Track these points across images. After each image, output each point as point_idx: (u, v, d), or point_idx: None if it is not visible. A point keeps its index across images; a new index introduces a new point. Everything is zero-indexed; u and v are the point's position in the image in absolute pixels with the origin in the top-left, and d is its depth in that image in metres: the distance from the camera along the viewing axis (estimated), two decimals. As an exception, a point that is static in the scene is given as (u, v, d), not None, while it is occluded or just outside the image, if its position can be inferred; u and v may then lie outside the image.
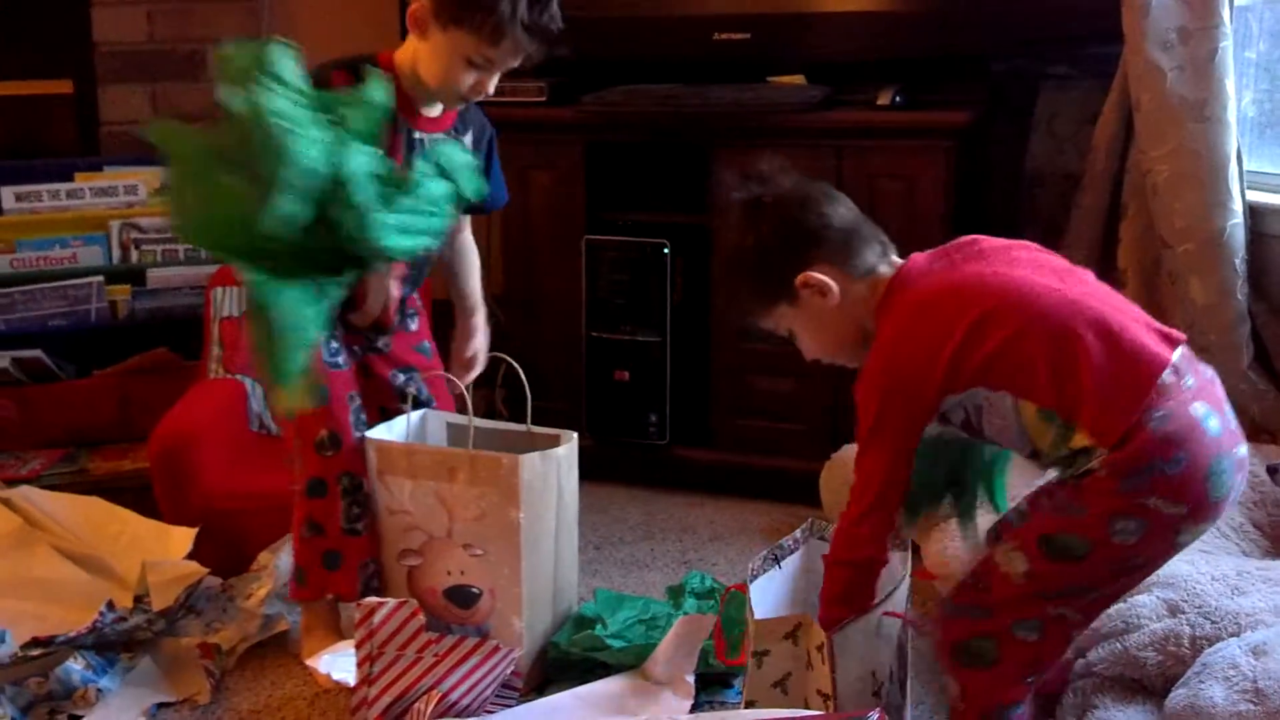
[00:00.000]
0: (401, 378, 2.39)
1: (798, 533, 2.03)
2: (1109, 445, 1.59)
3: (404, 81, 2.17)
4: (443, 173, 2.12)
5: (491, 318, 2.53)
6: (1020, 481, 1.97)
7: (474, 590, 2.19)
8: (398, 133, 2.17)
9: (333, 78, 2.12)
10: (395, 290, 2.28)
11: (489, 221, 3.30)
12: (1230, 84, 2.66)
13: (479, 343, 2.44)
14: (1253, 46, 2.96)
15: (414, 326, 2.42)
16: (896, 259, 1.81)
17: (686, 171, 3.06)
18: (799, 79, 3.06)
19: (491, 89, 2.15)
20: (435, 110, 2.22)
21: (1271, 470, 2.34)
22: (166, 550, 2.44)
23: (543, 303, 3.20)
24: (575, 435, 2.28)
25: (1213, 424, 1.62)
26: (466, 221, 2.41)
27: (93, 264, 3.22)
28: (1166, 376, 1.61)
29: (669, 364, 3.07)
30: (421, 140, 2.21)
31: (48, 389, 3.13)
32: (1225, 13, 2.65)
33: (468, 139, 2.28)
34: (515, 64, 2.12)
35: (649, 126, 3.05)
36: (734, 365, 3.07)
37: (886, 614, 1.84)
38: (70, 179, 3.26)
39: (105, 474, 3.00)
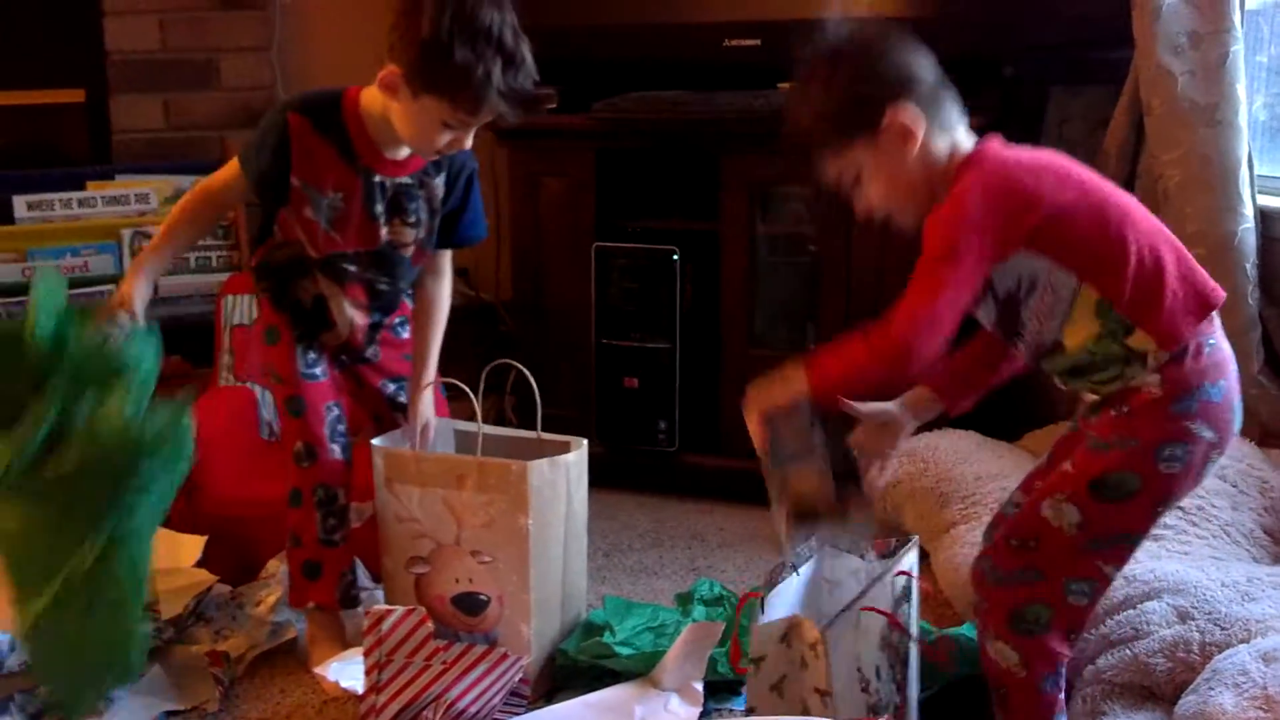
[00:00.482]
0: (392, 387, 2.39)
1: (812, 540, 2.02)
2: (1170, 349, 1.66)
3: (369, 124, 2.10)
4: None
5: (500, 324, 2.53)
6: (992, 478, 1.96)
7: (482, 597, 2.19)
8: (356, 176, 2.12)
9: (289, 120, 2.09)
10: (360, 318, 2.28)
11: (499, 228, 3.32)
12: (1241, 88, 2.65)
13: (426, 413, 2.32)
14: (1264, 50, 2.95)
15: (404, 334, 2.40)
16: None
17: (696, 178, 3.07)
18: (809, 85, 3.05)
19: (468, 143, 2.08)
20: (402, 153, 2.14)
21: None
22: (176, 558, 2.44)
23: (552, 309, 3.21)
24: (585, 442, 2.28)
25: (1232, 366, 1.73)
26: (445, 261, 2.34)
27: (104, 273, 3.23)
28: (1217, 311, 1.71)
29: (678, 371, 3.07)
30: (383, 184, 2.15)
31: (59, 397, 3.14)
32: (1236, 17, 2.64)
33: (439, 180, 2.20)
34: (490, 119, 2.03)
35: (659, 133, 3.05)
36: (743, 371, 3.04)
37: (865, 609, 1.83)
38: (82, 188, 3.28)
39: (116, 482, 3.00)
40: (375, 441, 2.24)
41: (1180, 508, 2.30)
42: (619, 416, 3.13)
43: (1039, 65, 2.97)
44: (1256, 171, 2.72)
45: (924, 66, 1.75)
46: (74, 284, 3.14)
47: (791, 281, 3.05)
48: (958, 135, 1.76)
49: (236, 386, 2.98)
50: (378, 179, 2.14)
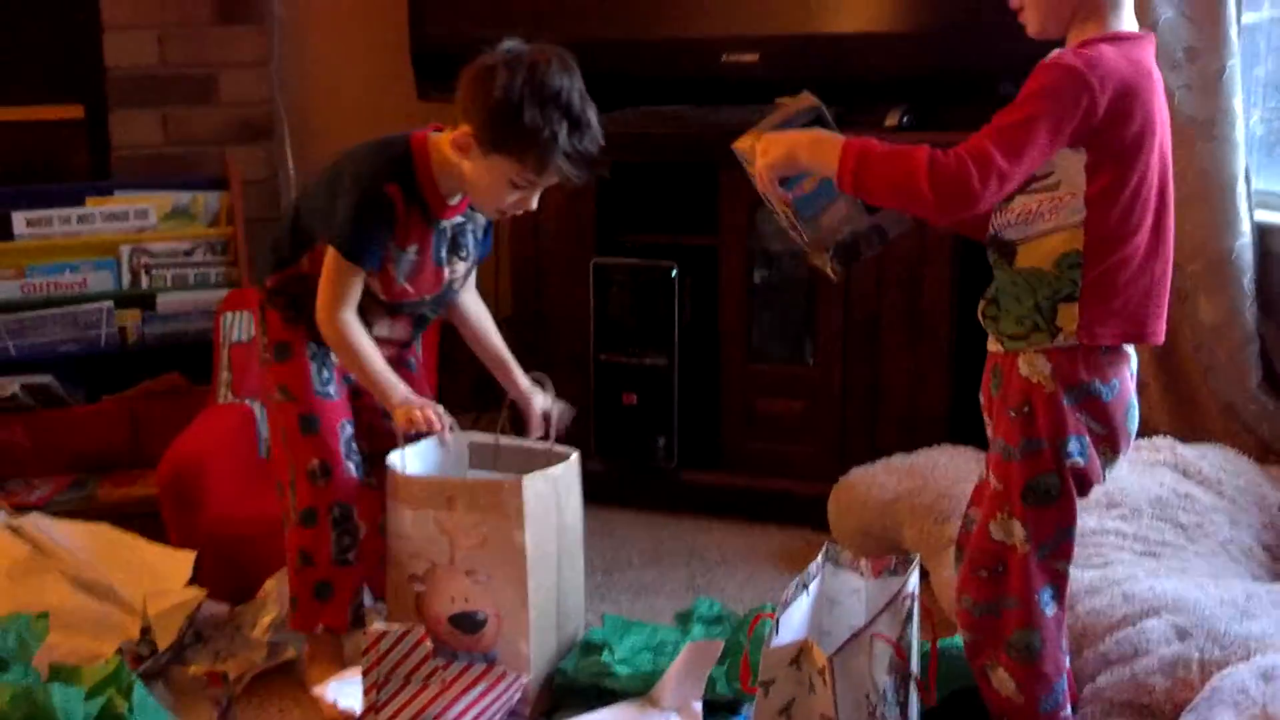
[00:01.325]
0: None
1: (819, 559, 2.02)
2: (1083, 342, 1.71)
3: (437, 175, 2.16)
4: None
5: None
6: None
7: (479, 616, 2.18)
8: (428, 227, 2.20)
9: (391, 193, 2.12)
10: (400, 337, 2.34)
11: (499, 243, 3.31)
12: (1238, 103, 2.66)
13: (540, 401, 2.38)
14: (1261, 64, 2.96)
15: (413, 368, 2.43)
16: None
17: (696, 193, 3.07)
18: (808, 100, 3.05)
19: (534, 204, 2.17)
20: (457, 196, 2.22)
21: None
22: (167, 575, 2.44)
23: (551, 324, 3.21)
24: (576, 453, 2.28)
25: (1133, 368, 1.79)
26: (471, 283, 2.39)
27: (103, 289, 3.23)
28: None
29: (677, 387, 3.07)
30: (445, 229, 2.24)
31: (57, 414, 3.15)
32: (1233, 31, 2.65)
33: (480, 215, 2.30)
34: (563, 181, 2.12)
35: (659, 147, 3.05)
36: (742, 387, 3.07)
37: (876, 636, 1.83)
38: (81, 203, 3.27)
39: (114, 500, 3.01)
40: (389, 458, 2.22)
41: (1179, 525, 2.31)
42: (618, 432, 3.13)
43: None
44: (1254, 186, 2.73)
45: None
46: (72, 300, 3.17)
47: (790, 297, 3.05)
48: (1123, 7, 1.73)
49: (235, 404, 2.98)
50: (442, 225, 2.23)
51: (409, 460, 2.24)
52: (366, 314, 2.23)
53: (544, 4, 3.23)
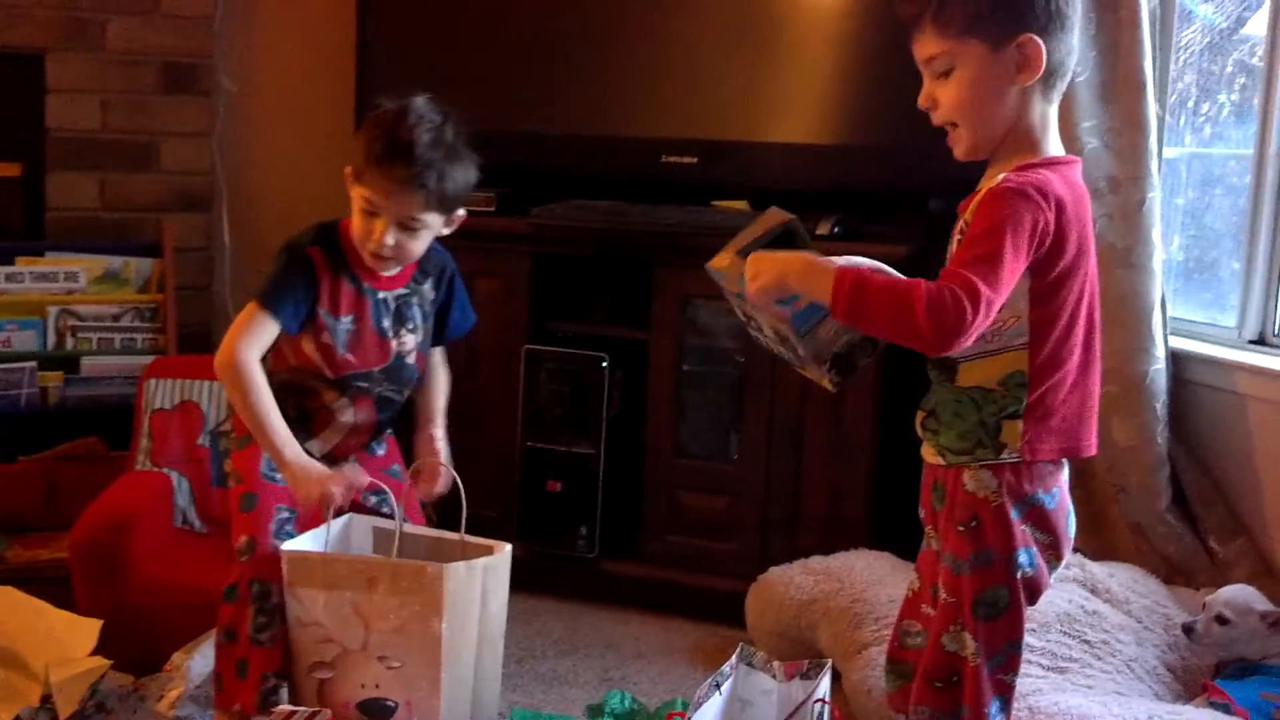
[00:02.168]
0: (373, 499, 2.38)
1: (733, 659, 2.03)
2: (1025, 459, 1.72)
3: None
4: None
5: None
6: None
7: (390, 703, 2.16)
8: (362, 296, 2.24)
9: (312, 256, 2.20)
10: (362, 423, 2.32)
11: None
12: (1157, 233, 2.75)
13: (443, 453, 2.39)
14: (1182, 193, 3.07)
15: (380, 451, 2.43)
16: None
17: (629, 287, 3.11)
18: (743, 204, 3.13)
19: (415, 247, 2.19)
20: (393, 269, 2.26)
21: (1186, 629, 2.39)
22: (72, 643, 2.39)
23: (481, 409, 3.21)
24: (509, 547, 2.28)
25: (1066, 474, 1.80)
26: (438, 358, 2.45)
27: (27, 349, 3.19)
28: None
29: (601, 477, 3.08)
30: (386, 300, 2.27)
31: (-30, 473, 3.09)
32: (1154, 164, 2.75)
33: (428, 285, 2.34)
34: (409, 210, 2.14)
35: (595, 241, 3.10)
36: (666, 481, 3.09)
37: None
38: (11, 262, 3.25)
39: (24, 562, 2.95)
40: (284, 546, 2.20)
41: (1086, 641, 2.35)
42: (541, 519, 3.13)
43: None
44: (1170, 313, 2.82)
45: (1073, 35, 1.72)
46: (-5, 359, 3.13)
47: (717, 395, 3.09)
48: (1051, 123, 1.74)
49: (153, 472, 2.94)
50: (381, 295, 2.26)
51: (303, 544, 2.22)
52: (322, 397, 2.26)
53: (488, 92, 3.28)
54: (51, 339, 3.23)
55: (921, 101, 1.75)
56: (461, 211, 2.25)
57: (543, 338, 3.15)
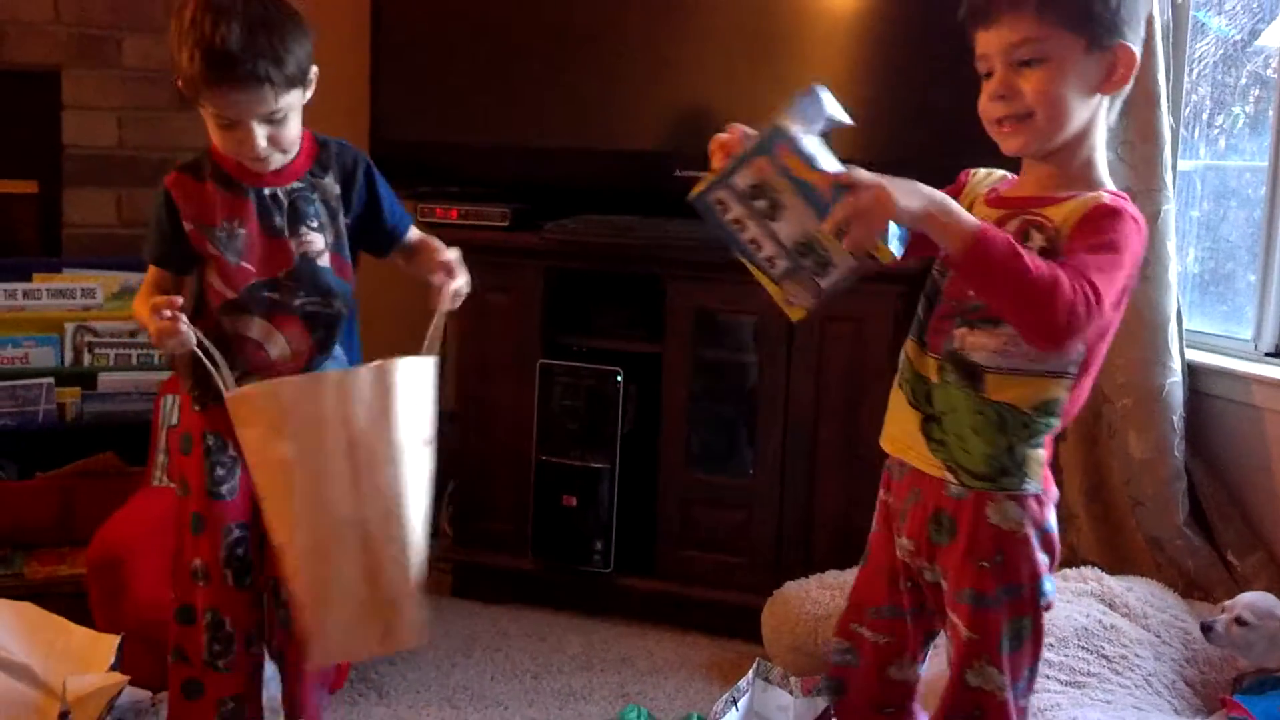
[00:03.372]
0: None
1: (750, 674, 2.03)
2: (1045, 487, 1.70)
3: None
4: None
5: (442, 435, 2.44)
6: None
7: None
8: (244, 197, 2.08)
9: (166, 183, 2.10)
10: (301, 347, 2.14)
11: (446, 339, 3.33)
12: (1172, 246, 2.75)
13: (449, 252, 2.15)
14: (1197, 205, 3.07)
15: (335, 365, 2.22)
16: None
17: (643, 301, 3.11)
18: (756, 218, 3.12)
19: (289, 132, 2.04)
20: (276, 162, 2.09)
21: (1205, 628, 2.38)
22: (90, 659, 2.40)
23: (495, 424, 3.22)
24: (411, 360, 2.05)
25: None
26: (411, 237, 2.24)
27: (44, 365, 3.21)
28: None
29: (616, 492, 3.08)
30: (275, 195, 2.09)
31: (-12, 489, 3.11)
32: (1168, 176, 2.75)
33: (329, 179, 2.15)
34: (263, 107, 1.99)
35: (608, 256, 3.10)
36: (681, 495, 3.08)
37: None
38: (28, 279, 3.26)
39: (41, 578, 2.97)
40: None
41: (1104, 656, 2.34)
42: (555, 534, 3.13)
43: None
44: (1186, 326, 2.81)
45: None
46: (11, 375, 3.14)
47: (731, 408, 3.08)
48: (1103, 147, 1.69)
49: (169, 488, 2.94)
50: (267, 192, 2.10)
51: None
52: (247, 334, 2.11)
53: (501, 108, 3.29)
54: (69, 355, 3.24)
55: (996, 89, 1.64)
56: (314, 70, 2.07)
57: (556, 352, 3.16)
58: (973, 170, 1.82)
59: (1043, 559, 1.70)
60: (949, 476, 1.70)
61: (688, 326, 3.06)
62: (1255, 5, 2.94)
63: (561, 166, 3.26)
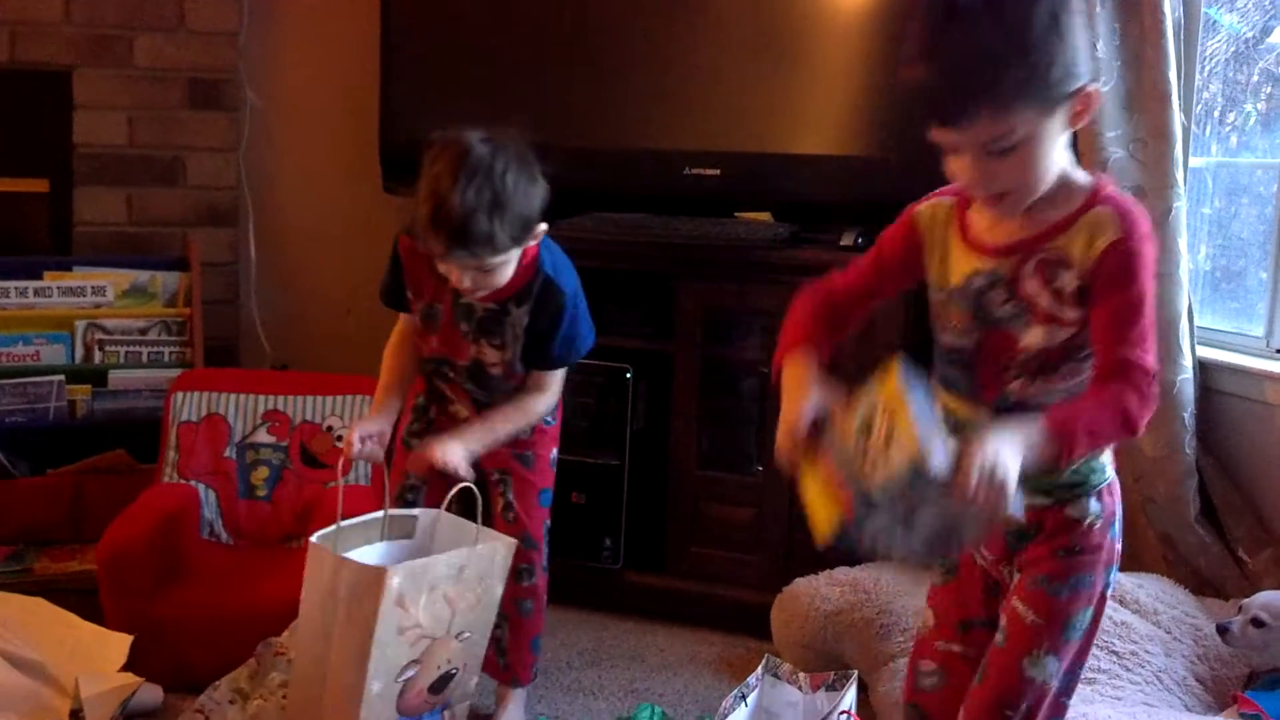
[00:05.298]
0: (495, 476, 2.44)
1: (759, 670, 2.03)
2: (1110, 472, 1.70)
3: None
4: None
5: None
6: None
7: (452, 672, 2.19)
8: (446, 292, 2.30)
9: (400, 241, 2.35)
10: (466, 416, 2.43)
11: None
12: (1183, 243, 2.74)
13: (458, 452, 2.28)
14: (1208, 203, 3.06)
15: (551, 419, 2.50)
16: None
17: (653, 299, 3.11)
18: (766, 216, 3.13)
19: (495, 279, 2.22)
20: (481, 293, 2.28)
21: (1221, 629, 2.37)
22: (102, 658, 2.40)
23: (504, 422, 3.21)
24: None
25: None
26: (544, 379, 2.40)
27: (55, 362, 3.22)
28: None
29: (626, 489, 3.08)
30: (471, 306, 2.31)
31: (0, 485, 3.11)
32: (1179, 174, 2.74)
33: (522, 310, 2.31)
34: (470, 265, 2.18)
35: (618, 254, 3.10)
36: (691, 493, 3.08)
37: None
38: (39, 277, 3.27)
39: (52, 575, 2.97)
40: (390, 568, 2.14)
41: (1115, 653, 2.33)
42: (565, 532, 3.11)
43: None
44: (1197, 323, 2.80)
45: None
46: (23, 373, 3.15)
47: (741, 406, 3.09)
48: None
49: (180, 484, 2.96)
50: (464, 300, 2.31)
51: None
52: (435, 380, 2.45)
53: (511, 106, 3.29)
54: (79, 353, 3.25)
55: (972, 176, 1.58)
56: (542, 227, 2.24)
57: (567, 350, 3.16)
58: (916, 208, 1.77)
59: (1117, 547, 1.70)
60: (1042, 501, 1.68)
61: (698, 324, 3.06)
62: (1267, 2, 2.94)
63: (571, 165, 3.23)
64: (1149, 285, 1.57)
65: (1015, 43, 1.51)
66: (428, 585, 2.12)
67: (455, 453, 2.24)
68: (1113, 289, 1.57)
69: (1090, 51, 1.61)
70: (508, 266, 2.23)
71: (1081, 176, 1.64)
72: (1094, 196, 1.62)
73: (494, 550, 2.18)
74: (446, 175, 2.12)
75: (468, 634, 2.18)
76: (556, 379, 2.42)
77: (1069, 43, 1.53)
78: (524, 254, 2.26)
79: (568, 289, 2.34)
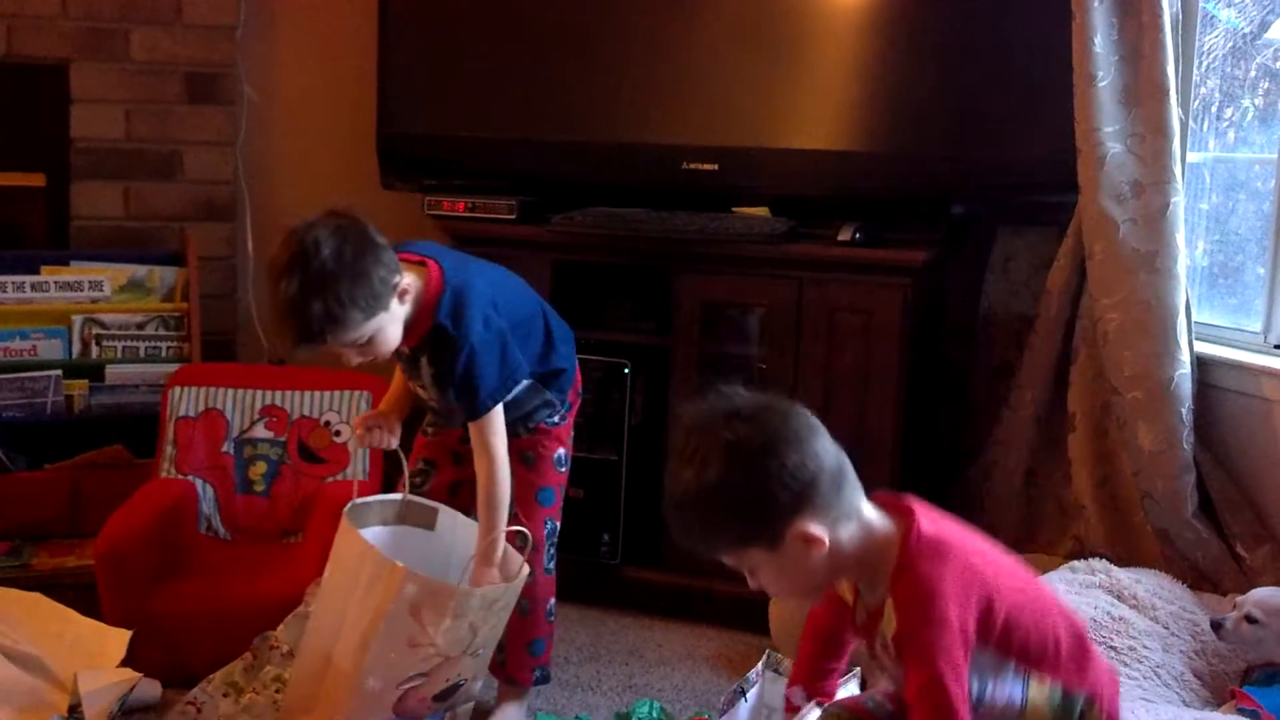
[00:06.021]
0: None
1: (759, 666, 2.03)
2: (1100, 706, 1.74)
3: None
4: None
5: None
6: None
7: (460, 683, 2.21)
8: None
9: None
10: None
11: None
12: (1180, 238, 2.74)
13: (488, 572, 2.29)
14: (1206, 198, 3.06)
15: (555, 419, 2.52)
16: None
17: (650, 294, 3.11)
18: (763, 211, 3.13)
19: (379, 347, 2.17)
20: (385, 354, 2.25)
21: (1215, 625, 2.37)
22: (101, 653, 2.40)
23: (501, 417, 3.21)
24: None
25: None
26: (477, 435, 2.31)
27: (52, 357, 3.21)
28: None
29: (624, 484, 3.08)
30: (400, 351, 2.27)
31: (-4, 480, 3.11)
32: (1177, 169, 2.74)
33: (425, 358, 2.29)
34: (329, 347, 2.12)
35: (615, 248, 3.10)
36: (688, 488, 3.08)
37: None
38: (36, 271, 3.27)
39: (49, 569, 2.97)
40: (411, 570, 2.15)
41: (1113, 647, 2.34)
42: (564, 526, 3.11)
43: (987, 205, 3.05)
44: (1195, 318, 2.81)
45: (825, 457, 1.65)
46: (20, 367, 3.14)
47: (739, 401, 3.08)
48: (864, 513, 1.69)
49: (177, 479, 2.96)
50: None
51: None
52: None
53: (509, 100, 3.30)
54: (77, 347, 3.25)
55: (770, 593, 1.74)
56: (398, 279, 2.14)
57: (565, 345, 3.15)
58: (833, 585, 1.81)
59: None
60: None
61: (695, 319, 3.06)
62: (1265, -2, 2.94)
63: (569, 159, 3.26)
64: (939, 607, 1.60)
65: (711, 507, 1.64)
66: (453, 612, 2.12)
67: (492, 575, 2.26)
68: (912, 667, 1.62)
69: (791, 489, 1.62)
70: (385, 333, 2.15)
71: (885, 545, 1.68)
72: (892, 579, 1.65)
73: (524, 578, 2.26)
74: (276, 273, 2.09)
75: (482, 651, 2.20)
76: (490, 438, 2.28)
77: (760, 510, 1.63)
78: (424, 303, 2.21)
79: (463, 334, 2.22)
